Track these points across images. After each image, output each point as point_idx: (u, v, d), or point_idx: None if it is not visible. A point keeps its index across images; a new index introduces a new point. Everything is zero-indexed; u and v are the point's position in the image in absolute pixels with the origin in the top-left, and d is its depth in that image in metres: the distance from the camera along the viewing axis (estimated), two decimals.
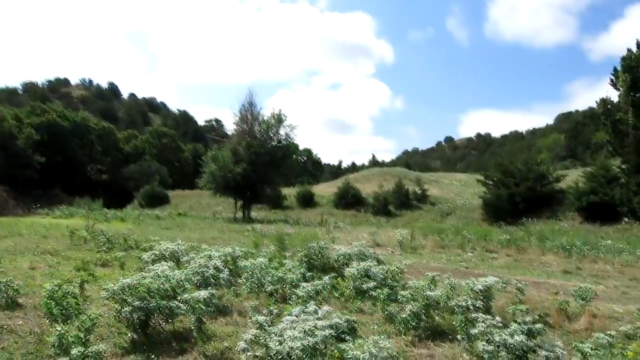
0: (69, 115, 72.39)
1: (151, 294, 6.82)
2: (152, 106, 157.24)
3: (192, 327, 6.72)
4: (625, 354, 5.26)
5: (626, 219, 27.04)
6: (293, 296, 7.44)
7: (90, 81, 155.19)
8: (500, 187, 35.79)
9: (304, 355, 4.10)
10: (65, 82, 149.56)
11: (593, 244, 18.53)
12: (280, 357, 4.20)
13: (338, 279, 9.87)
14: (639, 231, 25.69)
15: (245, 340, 5.78)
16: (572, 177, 35.67)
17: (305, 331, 4.36)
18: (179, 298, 6.84)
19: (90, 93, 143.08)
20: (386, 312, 7.61)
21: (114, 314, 7.09)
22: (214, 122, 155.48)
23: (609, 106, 23.91)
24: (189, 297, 6.36)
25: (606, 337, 5.80)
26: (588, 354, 5.30)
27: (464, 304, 6.35)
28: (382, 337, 4.52)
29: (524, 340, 5.01)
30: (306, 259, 11.35)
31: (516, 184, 35.30)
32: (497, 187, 36.07)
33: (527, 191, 34.33)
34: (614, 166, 28.77)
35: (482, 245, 18.41)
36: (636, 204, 21.87)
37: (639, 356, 5.13)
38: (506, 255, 16.98)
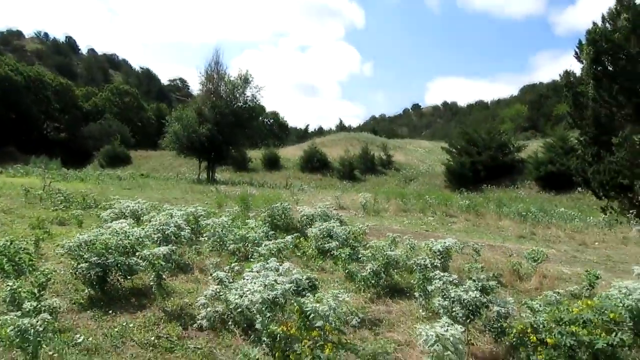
0: (22, 70, 68.87)
1: (109, 250, 6.70)
2: (113, 63, 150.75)
3: (152, 284, 6.65)
4: (570, 310, 5.52)
5: (579, 189, 28.11)
6: (255, 254, 7.44)
7: (46, 34, 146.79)
8: (463, 155, 36.50)
9: (264, 308, 4.12)
10: (18, 34, 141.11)
11: (547, 211, 19.26)
12: (239, 310, 4.21)
13: (301, 238, 9.94)
14: (590, 200, 26.85)
15: (206, 296, 5.78)
16: (532, 148, 36.73)
17: (265, 285, 4.37)
18: (137, 254, 6.73)
19: (45, 47, 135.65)
20: (347, 270, 7.73)
21: (71, 270, 6.95)
22: (178, 82, 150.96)
23: (571, 79, 24.30)
24: (148, 253, 6.25)
25: (554, 294, 6.07)
26: (537, 309, 5.53)
27: (422, 262, 6.50)
28: (341, 291, 4.59)
29: (477, 296, 5.18)
30: (269, 219, 11.35)
31: (479, 152, 36.06)
32: (460, 155, 36.77)
33: (489, 160, 35.18)
34: (572, 137, 29.67)
35: (443, 210, 18.82)
36: (590, 175, 22.63)
37: (583, 312, 5.39)
38: (465, 219, 17.44)
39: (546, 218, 17.72)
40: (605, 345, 4.82)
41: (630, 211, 19.35)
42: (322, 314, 3.97)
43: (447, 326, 3.62)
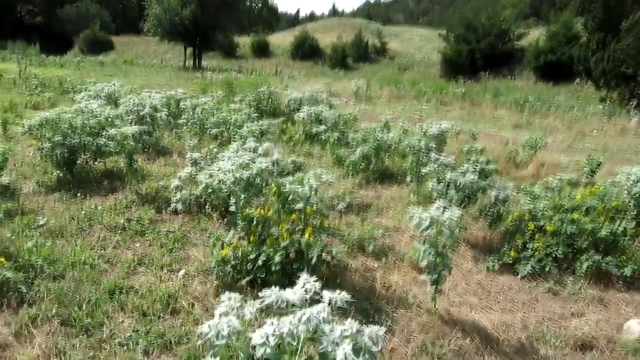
0: None
1: (74, 129, 6.10)
2: None
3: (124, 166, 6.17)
4: (573, 196, 5.16)
5: (578, 80, 27.25)
6: (236, 136, 6.89)
7: None
8: (461, 42, 34.77)
9: (237, 189, 3.65)
10: None
11: (545, 101, 18.64)
12: (210, 191, 3.75)
13: (288, 123, 9.39)
14: (588, 91, 26.11)
15: (180, 178, 5.33)
16: (533, 36, 34.96)
17: (240, 164, 3.86)
18: (104, 134, 6.15)
19: None
20: (335, 155, 7.28)
21: (39, 152, 6.42)
22: None
23: None
24: (115, 132, 5.66)
25: (556, 180, 5.69)
26: (537, 195, 5.16)
27: (416, 144, 6.00)
28: (325, 170, 4.12)
29: (475, 179, 4.75)
30: (255, 103, 10.68)
31: (477, 40, 34.35)
32: (457, 43, 35.02)
33: (487, 48, 33.62)
34: (577, 24, 28.14)
35: (438, 98, 18.12)
36: (592, 63, 21.69)
37: (587, 198, 5.03)
38: (460, 108, 16.84)
39: (544, 107, 17.15)
40: (608, 233, 4.51)
41: (630, 101, 18.78)
42: (303, 195, 3.52)
43: (443, 209, 3.18)
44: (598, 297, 4.09)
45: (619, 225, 4.61)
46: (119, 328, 3.00)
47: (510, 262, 4.51)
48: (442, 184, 4.83)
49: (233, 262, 3.50)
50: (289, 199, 3.65)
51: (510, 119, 15.23)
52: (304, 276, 1.99)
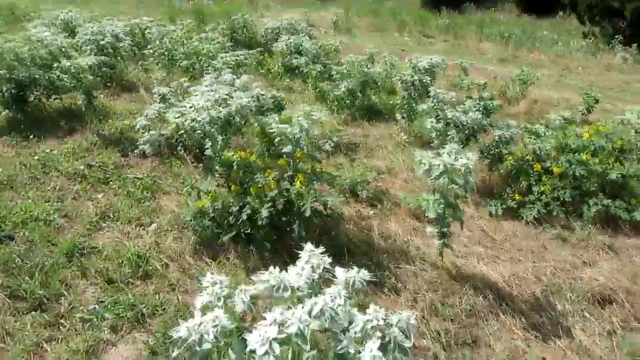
0: None
1: (22, 61, 5.33)
2: None
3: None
4: (579, 135, 4.78)
5: (562, 13, 26.54)
6: (209, 69, 6.20)
7: None
8: None
9: (213, 130, 3.11)
10: None
11: (530, 34, 18.05)
12: (181, 132, 3.20)
13: (265, 55, 8.66)
14: (571, 25, 25.52)
15: (147, 116, 4.70)
16: None
17: (215, 100, 3.30)
18: (55, 66, 5.40)
19: None
20: (318, 89, 6.69)
21: None
22: None
23: None
24: (69, 64, 4.94)
25: (559, 118, 5.29)
26: (541, 134, 4.76)
27: (409, 79, 5.46)
28: (315, 108, 3.60)
29: (478, 117, 4.30)
30: (229, 32, 9.83)
31: None
32: None
33: None
34: None
35: (420, 30, 17.31)
36: None
37: (594, 137, 4.66)
38: (444, 40, 16.15)
39: (529, 41, 16.60)
40: (618, 175, 4.18)
41: (615, 37, 18.33)
42: (292, 136, 3.01)
43: (456, 154, 2.73)
44: (608, 243, 3.82)
45: (631, 166, 4.28)
46: (80, 299, 2.53)
47: (515, 206, 4.17)
48: (442, 122, 4.36)
49: (212, 215, 3.04)
50: (275, 140, 3.14)
51: (495, 53, 14.69)
52: (308, 247, 1.54)
